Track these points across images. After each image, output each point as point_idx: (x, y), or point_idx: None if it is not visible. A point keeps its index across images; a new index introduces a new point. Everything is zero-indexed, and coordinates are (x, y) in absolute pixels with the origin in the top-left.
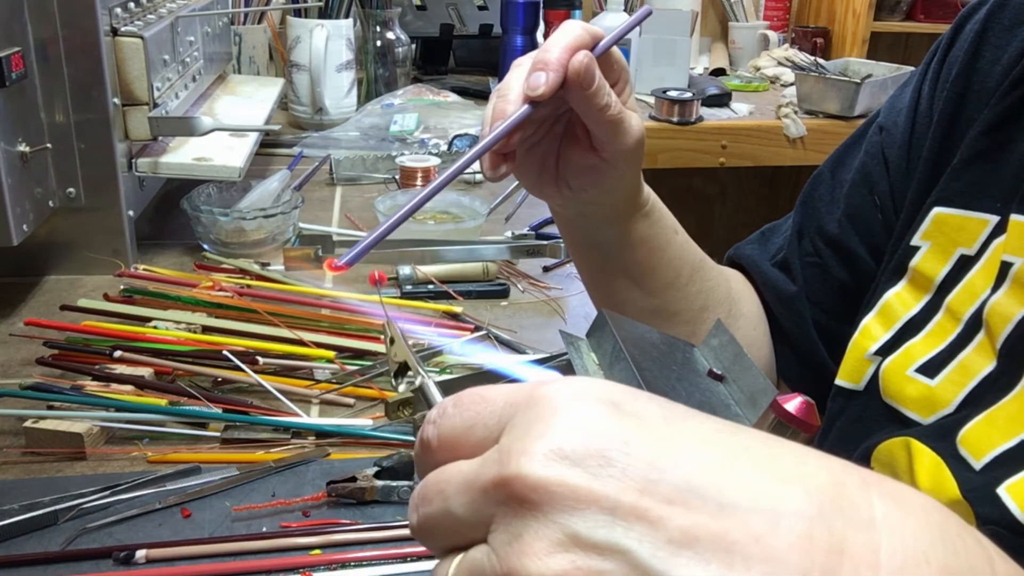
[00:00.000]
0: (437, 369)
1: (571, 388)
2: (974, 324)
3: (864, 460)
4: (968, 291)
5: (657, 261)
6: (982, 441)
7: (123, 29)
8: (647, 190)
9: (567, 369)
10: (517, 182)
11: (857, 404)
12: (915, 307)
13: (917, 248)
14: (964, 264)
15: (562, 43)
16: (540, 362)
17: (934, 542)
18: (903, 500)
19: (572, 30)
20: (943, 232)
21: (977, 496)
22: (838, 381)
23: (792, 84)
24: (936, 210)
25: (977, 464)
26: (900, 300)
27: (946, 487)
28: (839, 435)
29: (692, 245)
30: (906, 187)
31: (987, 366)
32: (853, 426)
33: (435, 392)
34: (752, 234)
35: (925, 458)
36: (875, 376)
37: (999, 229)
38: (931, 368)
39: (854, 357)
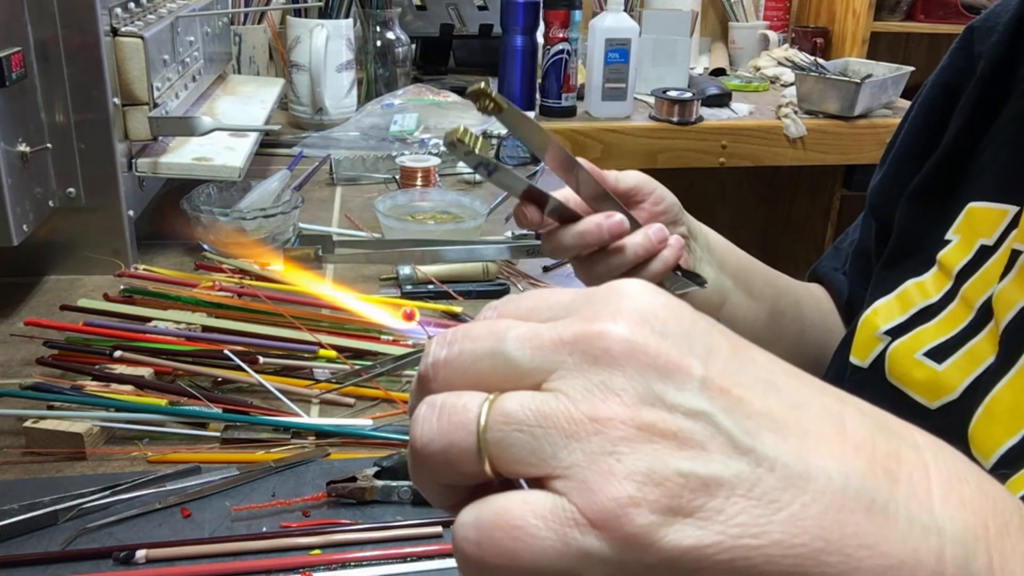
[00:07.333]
0: None
1: (645, 284)
2: (985, 312)
3: None
4: (983, 280)
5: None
6: (987, 440)
7: (123, 29)
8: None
9: None
10: None
11: (860, 381)
12: (935, 296)
13: (949, 242)
14: (983, 254)
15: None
16: None
17: (969, 468)
18: (936, 437)
19: None
20: (971, 224)
21: None
22: (851, 358)
23: (792, 84)
24: (970, 205)
25: (987, 465)
26: (920, 288)
27: None
28: None
29: (749, 301)
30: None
31: (994, 354)
32: None
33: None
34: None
35: None
36: (881, 356)
37: (1017, 219)
38: (940, 353)
39: (864, 335)
